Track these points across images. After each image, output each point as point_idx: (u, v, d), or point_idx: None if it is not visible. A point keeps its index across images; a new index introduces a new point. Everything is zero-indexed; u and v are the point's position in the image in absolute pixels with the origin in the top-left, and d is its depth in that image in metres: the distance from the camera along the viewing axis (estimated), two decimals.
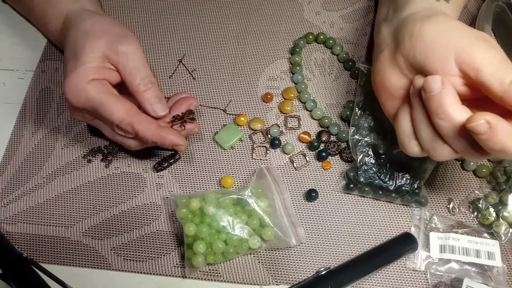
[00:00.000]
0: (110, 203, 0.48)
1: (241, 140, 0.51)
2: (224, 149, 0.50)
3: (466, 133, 0.33)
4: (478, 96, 0.35)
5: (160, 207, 0.48)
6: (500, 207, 0.45)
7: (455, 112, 0.33)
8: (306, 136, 0.50)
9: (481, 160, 0.36)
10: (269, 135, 0.51)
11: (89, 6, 0.50)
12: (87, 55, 0.42)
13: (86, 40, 0.43)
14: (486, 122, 0.31)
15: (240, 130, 0.51)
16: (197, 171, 0.49)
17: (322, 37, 0.56)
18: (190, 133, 0.47)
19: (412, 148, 0.38)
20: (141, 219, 0.47)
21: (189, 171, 0.49)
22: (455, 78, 0.35)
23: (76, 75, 0.41)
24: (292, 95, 0.52)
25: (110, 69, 0.43)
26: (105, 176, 0.49)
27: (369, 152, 0.47)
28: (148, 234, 0.46)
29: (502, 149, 0.31)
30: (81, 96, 0.41)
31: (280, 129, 0.51)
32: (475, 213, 0.46)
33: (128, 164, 0.50)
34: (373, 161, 0.47)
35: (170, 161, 0.49)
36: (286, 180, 0.49)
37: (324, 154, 0.49)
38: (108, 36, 0.43)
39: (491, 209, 0.45)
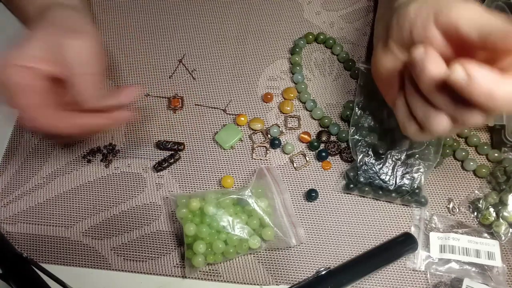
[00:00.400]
0: (110, 203, 0.48)
1: (241, 140, 0.51)
2: (224, 149, 0.50)
3: (451, 90, 0.32)
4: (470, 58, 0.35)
5: (160, 207, 0.48)
6: (500, 207, 0.45)
7: (436, 70, 0.33)
8: (306, 136, 0.50)
9: (479, 121, 0.34)
10: (269, 135, 0.51)
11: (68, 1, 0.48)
12: (38, 42, 0.40)
13: (48, 27, 0.42)
14: (461, 70, 0.30)
15: (240, 130, 0.51)
16: (197, 171, 0.49)
17: (322, 37, 0.56)
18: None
19: (412, 128, 0.38)
20: (141, 219, 0.47)
21: (189, 171, 0.49)
22: (442, 44, 0.35)
23: (23, 54, 0.40)
24: (292, 95, 0.52)
25: (48, 60, 0.41)
26: (105, 176, 0.49)
27: (369, 152, 0.47)
28: (148, 234, 0.46)
29: (489, 96, 0.30)
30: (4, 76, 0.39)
31: (280, 129, 0.51)
32: (475, 213, 0.46)
33: (128, 164, 0.50)
34: (373, 161, 0.47)
35: (170, 161, 0.49)
36: (286, 180, 0.49)
37: (324, 154, 0.49)
38: (59, 28, 0.42)
39: (491, 209, 0.45)
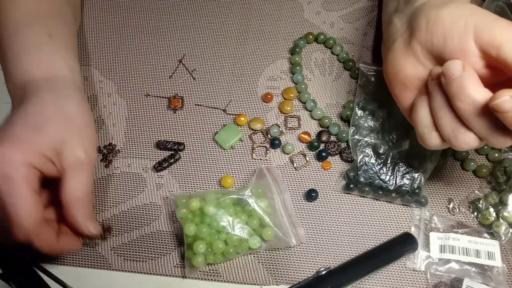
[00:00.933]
0: (110, 203, 0.48)
1: (241, 140, 0.51)
2: (224, 149, 0.50)
3: (489, 114, 0.32)
4: (500, 80, 0.35)
5: (160, 207, 0.48)
6: (500, 207, 0.45)
7: (476, 92, 0.32)
8: (306, 136, 0.50)
9: (507, 144, 0.34)
10: (269, 135, 0.51)
11: (79, 83, 0.45)
12: (46, 139, 0.37)
13: (58, 123, 0.39)
14: (511, 98, 0.29)
15: (240, 130, 0.51)
16: (197, 171, 0.49)
17: (322, 37, 0.56)
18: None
19: (433, 141, 0.37)
20: (141, 219, 0.47)
21: (189, 171, 0.49)
22: (476, 60, 0.34)
23: (18, 149, 0.36)
24: (292, 95, 0.52)
25: (55, 165, 0.38)
26: (105, 176, 0.49)
27: (369, 152, 0.47)
28: (148, 234, 0.46)
29: None
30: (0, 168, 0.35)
31: (280, 129, 0.51)
32: (475, 213, 0.46)
33: (128, 164, 0.50)
34: (373, 161, 0.47)
35: (170, 161, 0.49)
36: (286, 180, 0.49)
37: (324, 154, 0.49)
38: (81, 136, 0.40)
39: (491, 209, 0.45)
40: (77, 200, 0.38)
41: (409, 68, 0.38)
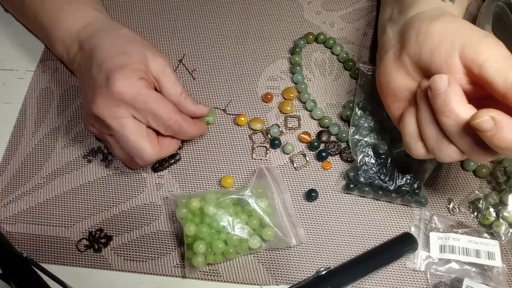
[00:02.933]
0: (110, 203, 0.48)
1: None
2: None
3: (471, 131, 0.32)
4: (482, 95, 0.35)
5: (160, 207, 0.48)
6: (500, 207, 0.45)
7: (460, 109, 0.33)
8: (306, 136, 0.50)
9: (487, 160, 0.35)
10: (269, 135, 0.51)
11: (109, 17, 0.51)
12: (137, 57, 0.43)
13: (133, 45, 0.44)
14: (491, 118, 0.30)
15: (214, 111, 0.52)
16: (197, 171, 0.49)
17: (322, 37, 0.56)
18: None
19: (418, 150, 0.38)
20: (141, 219, 0.47)
21: (189, 171, 0.49)
22: (460, 76, 0.35)
23: (130, 70, 0.42)
24: (292, 95, 0.52)
25: (149, 78, 0.44)
26: (105, 176, 0.49)
27: (369, 152, 0.47)
28: (148, 234, 0.46)
29: (509, 147, 0.31)
30: (134, 89, 0.41)
31: (280, 129, 0.51)
32: (475, 213, 0.46)
33: None
34: (373, 161, 0.47)
35: (170, 161, 0.49)
36: (286, 180, 0.49)
37: (324, 154, 0.49)
38: (151, 48, 0.45)
39: (491, 209, 0.45)
40: (180, 95, 0.45)
41: (399, 80, 0.39)
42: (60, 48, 0.49)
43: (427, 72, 0.37)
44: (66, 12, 0.49)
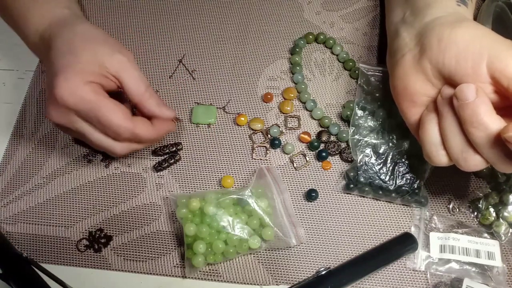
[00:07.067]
0: (110, 203, 0.48)
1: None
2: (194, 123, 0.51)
3: (500, 142, 0.32)
4: (506, 105, 0.35)
5: (160, 207, 0.48)
6: (500, 207, 0.45)
7: (489, 120, 0.32)
8: (306, 136, 0.50)
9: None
10: (269, 135, 0.51)
11: (79, 13, 0.49)
12: (87, 57, 0.41)
13: (85, 43, 0.42)
14: None
15: (215, 109, 0.52)
16: (197, 171, 0.49)
17: (322, 37, 0.56)
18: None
19: (440, 159, 0.37)
20: (141, 219, 0.47)
21: (189, 171, 0.49)
22: (485, 85, 0.34)
23: (74, 72, 0.39)
24: (292, 95, 0.52)
25: (107, 77, 0.42)
26: (105, 176, 0.49)
27: (369, 152, 0.47)
28: (148, 234, 0.46)
29: None
30: (77, 95, 0.39)
31: (280, 129, 0.51)
32: (475, 213, 0.46)
33: (128, 164, 0.50)
34: (373, 161, 0.47)
35: (170, 161, 0.49)
36: (286, 180, 0.49)
37: (324, 154, 0.49)
38: (109, 44, 0.43)
39: (491, 209, 0.45)
40: (143, 94, 0.42)
41: (418, 85, 0.38)
42: (32, 47, 0.48)
43: (449, 79, 0.36)
44: (31, 11, 0.46)
